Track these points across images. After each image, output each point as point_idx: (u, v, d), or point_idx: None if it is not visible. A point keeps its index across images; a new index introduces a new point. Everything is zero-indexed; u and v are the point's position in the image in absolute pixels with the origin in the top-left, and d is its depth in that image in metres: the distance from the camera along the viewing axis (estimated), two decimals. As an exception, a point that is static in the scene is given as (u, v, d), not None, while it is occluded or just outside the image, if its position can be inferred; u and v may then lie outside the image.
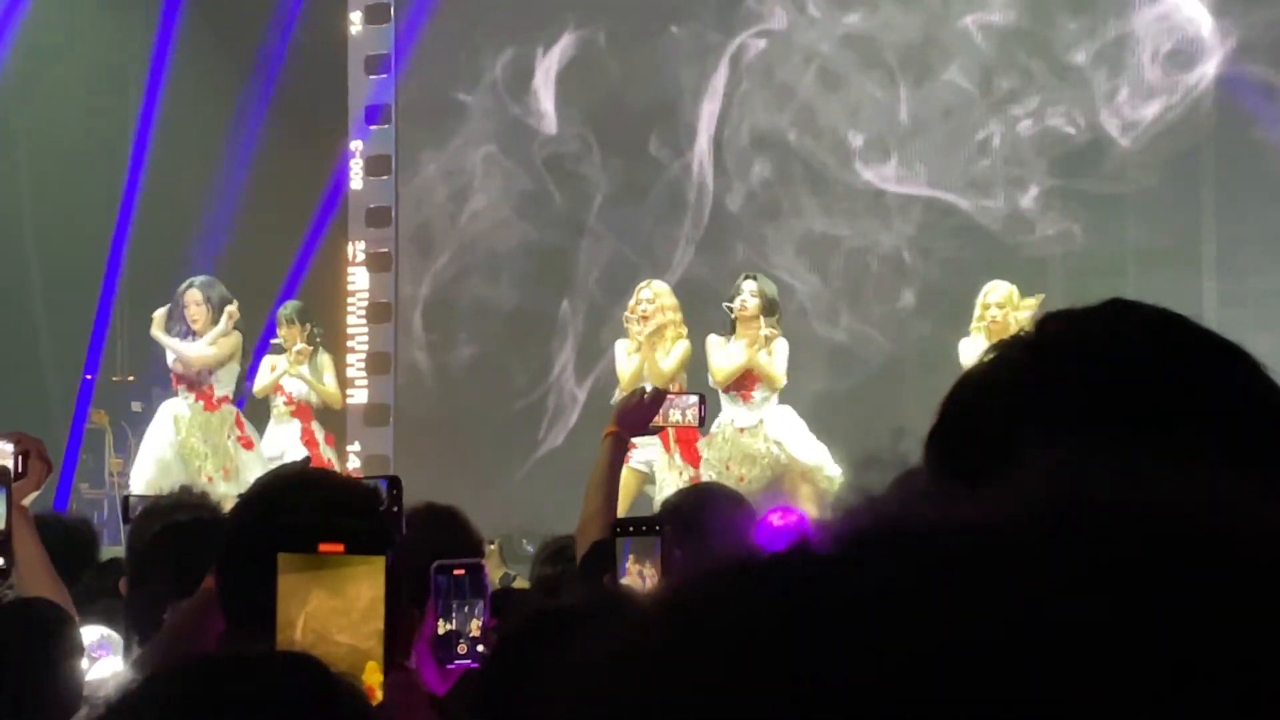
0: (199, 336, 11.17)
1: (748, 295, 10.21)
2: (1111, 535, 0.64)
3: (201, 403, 11.15)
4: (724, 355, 10.15)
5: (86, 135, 13.64)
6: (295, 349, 11.39)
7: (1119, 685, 0.60)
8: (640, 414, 4.79)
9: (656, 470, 9.96)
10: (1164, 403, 1.26)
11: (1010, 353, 1.36)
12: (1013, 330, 9.46)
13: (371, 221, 13.58)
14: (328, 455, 11.35)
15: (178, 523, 3.59)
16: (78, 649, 3.29)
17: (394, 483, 3.37)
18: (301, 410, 11.40)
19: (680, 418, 5.12)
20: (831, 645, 0.62)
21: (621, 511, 4.80)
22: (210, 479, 10.49)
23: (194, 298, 11.25)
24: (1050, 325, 1.36)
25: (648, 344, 10.17)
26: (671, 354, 10.21)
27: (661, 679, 0.65)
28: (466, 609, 3.45)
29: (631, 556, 3.63)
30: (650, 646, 0.67)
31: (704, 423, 5.05)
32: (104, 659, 3.90)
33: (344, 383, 12.65)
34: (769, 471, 9.87)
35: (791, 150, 12.22)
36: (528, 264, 12.90)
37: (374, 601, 2.42)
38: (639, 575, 3.62)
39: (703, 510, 4.19)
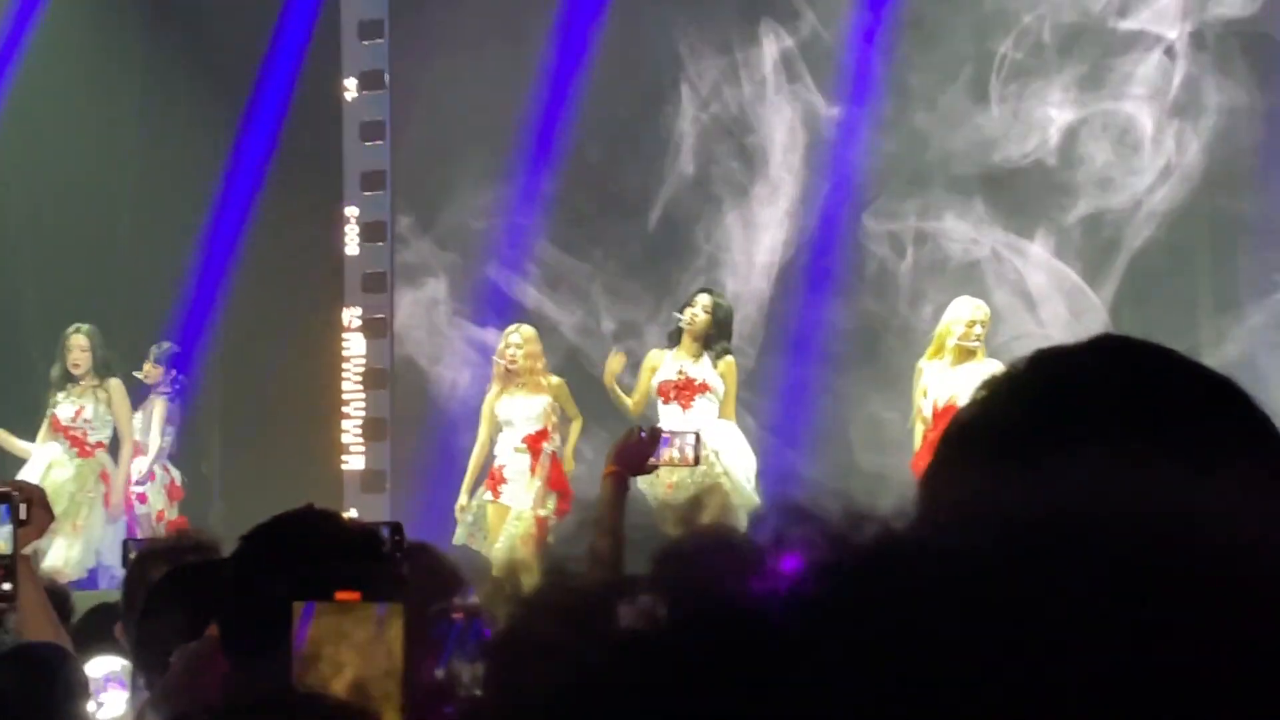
0: (80, 382, 11.22)
1: (700, 309, 10.31)
2: (1119, 546, 0.65)
3: (76, 449, 11.20)
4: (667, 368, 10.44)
5: (79, 184, 13.63)
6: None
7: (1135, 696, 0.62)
8: (638, 452, 4.78)
9: None
10: (1160, 438, 1.27)
11: (1003, 391, 1.36)
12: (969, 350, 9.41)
13: (367, 287, 13.61)
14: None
15: (187, 565, 3.60)
16: (81, 690, 3.29)
17: (395, 529, 3.38)
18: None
19: (677, 455, 5.13)
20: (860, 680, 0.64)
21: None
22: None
23: (79, 344, 11.33)
24: (1044, 361, 1.37)
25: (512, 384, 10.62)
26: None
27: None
28: (465, 654, 3.45)
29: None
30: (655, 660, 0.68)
31: (699, 460, 5.05)
32: (113, 691, 3.90)
33: (339, 448, 12.66)
34: (701, 480, 9.92)
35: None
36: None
37: (390, 646, 2.42)
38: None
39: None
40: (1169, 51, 11.46)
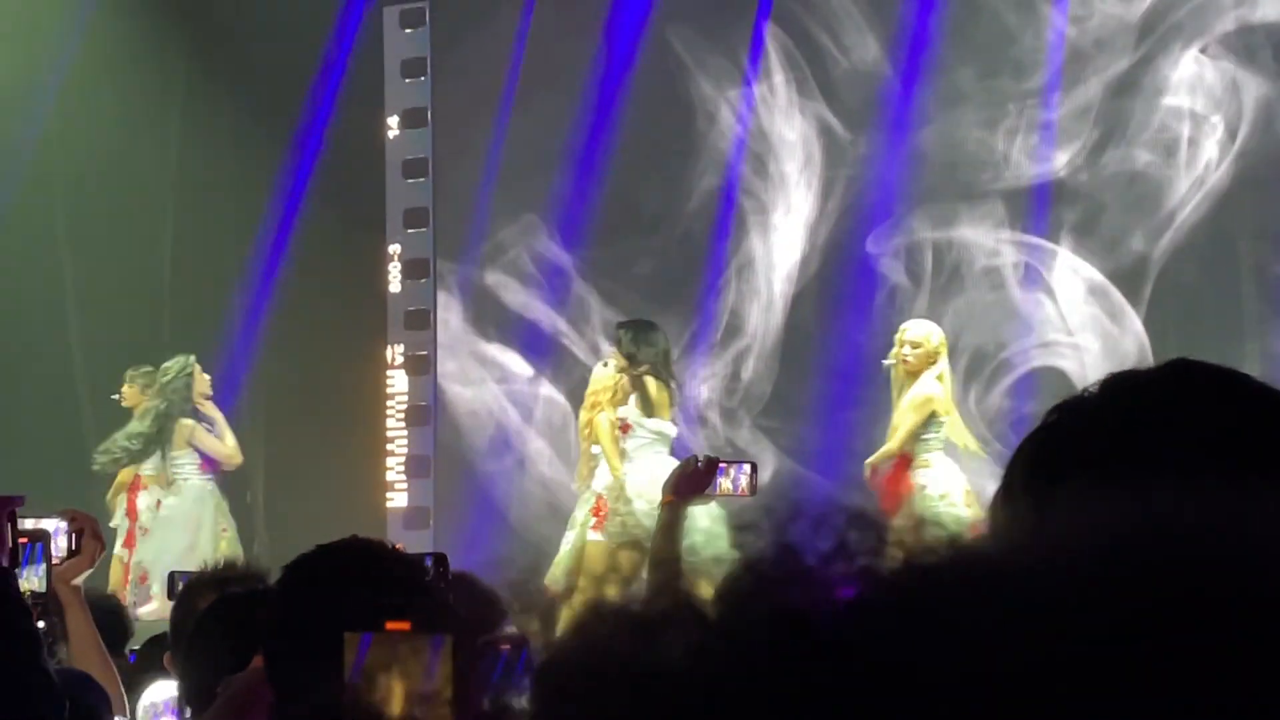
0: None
1: (610, 360, 10.50)
2: (1185, 578, 0.63)
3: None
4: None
5: (120, 220, 13.73)
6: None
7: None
8: (695, 482, 4.84)
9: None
10: (1232, 463, 1.25)
11: (1076, 416, 1.35)
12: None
13: (410, 324, 13.65)
14: None
15: (233, 595, 3.60)
16: (94, 715, 3.26)
17: (440, 560, 3.39)
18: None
19: (731, 486, 5.11)
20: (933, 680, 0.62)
21: None
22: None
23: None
24: (1116, 387, 1.35)
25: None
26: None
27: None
28: (514, 684, 3.44)
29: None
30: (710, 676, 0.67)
31: (756, 491, 5.03)
32: (168, 718, 3.90)
33: (384, 485, 12.68)
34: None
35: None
36: (567, 360, 12.99)
37: (441, 677, 2.42)
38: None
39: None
40: (1204, 53, 11.41)
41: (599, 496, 10.28)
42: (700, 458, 4.99)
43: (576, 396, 12.65)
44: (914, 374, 9.99)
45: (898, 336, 10.18)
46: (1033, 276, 11.73)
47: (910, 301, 11.77)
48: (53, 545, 3.42)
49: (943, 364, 10.11)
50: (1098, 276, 11.50)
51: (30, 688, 2.91)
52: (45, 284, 13.54)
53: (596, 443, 10.37)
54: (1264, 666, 0.61)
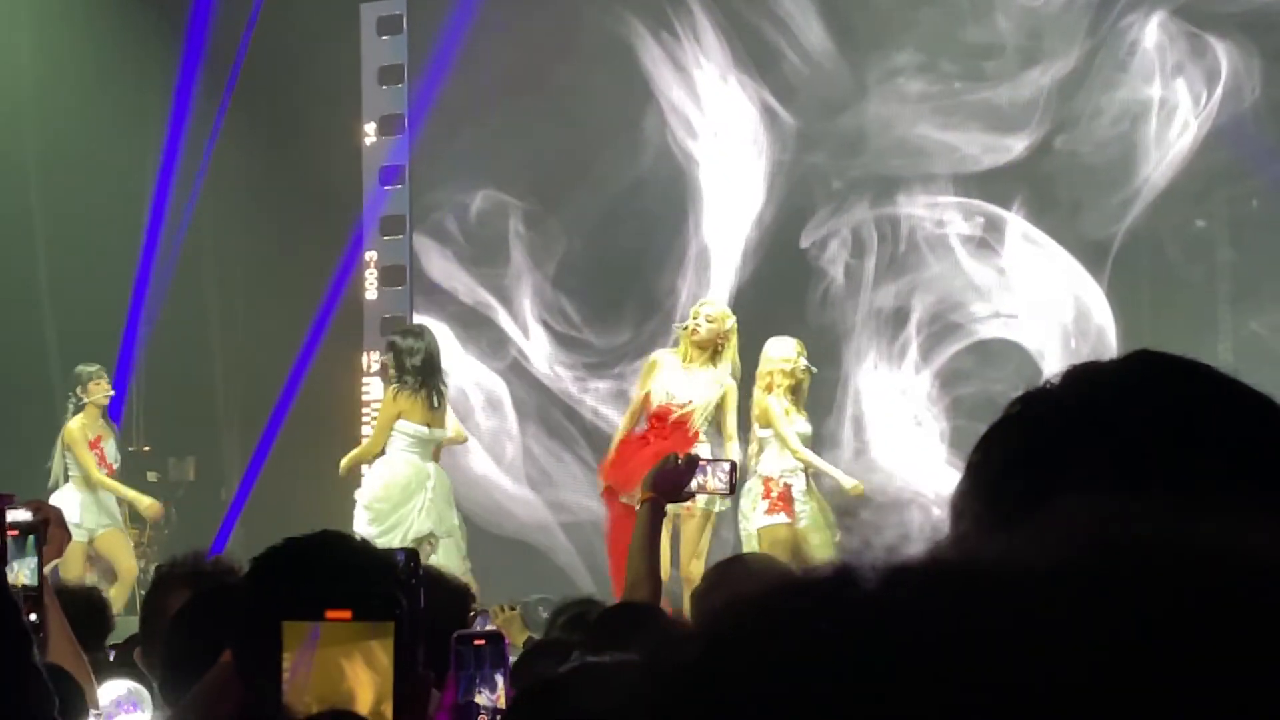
0: None
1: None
2: (1165, 580, 0.64)
3: None
4: None
5: (104, 210, 13.73)
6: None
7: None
8: (674, 479, 4.81)
9: None
10: (1196, 456, 1.25)
11: (1037, 407, 1.35)
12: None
13: (386, 331, 13.62)
14: None
15: (207, 591, 3.57)
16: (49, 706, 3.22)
17: (411, 555, 3.33)
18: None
19: (711, 484, 5.08)
20: (896, 682, 0.62)
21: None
22: None
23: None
24: (1078, 378, 1.35)
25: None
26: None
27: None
28: (487, 680, 3.42)
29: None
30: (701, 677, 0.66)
31: (735, 490, 5.01)
32: (130, 714, 3.86)
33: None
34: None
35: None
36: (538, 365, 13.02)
37: (385, 669, 2.39)
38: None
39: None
40: (1171, 19, 11.44)
41: (766, 480, 9.84)
42: (680, 456, 4.96)
43: (554, 405, 12.67)
44: (701, 346, 9.71)
45: (695, 309, 9.92)
46: (987, 247, 11.78)
47: (858, 278, 11.85)
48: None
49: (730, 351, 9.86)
50: (1055, 246, 11.56)
51: (24, 686, 2.90)
52: (20, 278, 13.51)
53: (767, 425, 9.92)
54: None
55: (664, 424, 9.66)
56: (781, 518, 9.75)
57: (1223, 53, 11.29)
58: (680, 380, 9.72)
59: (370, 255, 13.79)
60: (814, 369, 10.09)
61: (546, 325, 12.94)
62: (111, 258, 13.73)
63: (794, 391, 9.95)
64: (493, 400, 13.07)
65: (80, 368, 11.60)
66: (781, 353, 9.99)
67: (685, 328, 9.86)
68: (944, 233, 11.87)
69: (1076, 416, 1.31)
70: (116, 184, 13.78)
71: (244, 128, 13.91)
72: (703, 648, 0.67)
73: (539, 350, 13.00)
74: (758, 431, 9.98)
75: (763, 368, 9.99)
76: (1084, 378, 1.35)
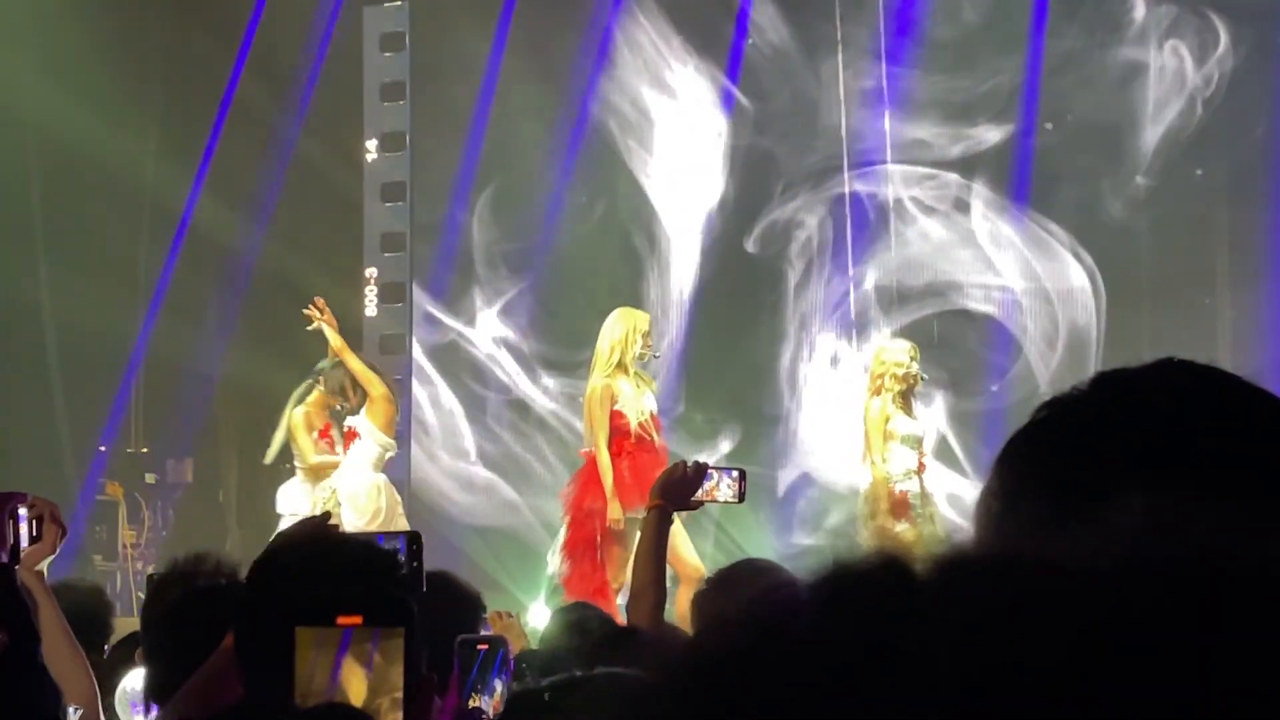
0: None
1: None
2: (1209, 579, 0.64)
3: None
4: None
5: (106, 208, 13.72)
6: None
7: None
8: (682, 487, 4.76)
9: None
10: (1224, 463, 1.25)
11: (1065, 414, 1.34)
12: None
13: (385, 348, 13.62)
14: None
15: (199, 589, 3.55)
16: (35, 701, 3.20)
17: (413, 539, 3.28)
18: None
19: (719, 492, 5.03)
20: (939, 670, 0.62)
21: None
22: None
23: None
24: (1107, 385, 1.34)
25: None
26: None
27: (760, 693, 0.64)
28: (490, 683, 3.41)
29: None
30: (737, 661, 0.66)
31: (744, 498, 4.97)
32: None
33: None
34: None
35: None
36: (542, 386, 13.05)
37: (393, 670, 2.37)
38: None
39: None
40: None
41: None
42: (689, 463, 4.91)
43: (546, 422, 12.69)
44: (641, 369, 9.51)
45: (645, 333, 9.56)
46: (962, 230, 11.81)
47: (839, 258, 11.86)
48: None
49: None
50: (1032, 224, 11.59)
51: (31, 685, 2.91)
52: (20, 281, 13.51)
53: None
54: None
55: (647, 441, 9.34)
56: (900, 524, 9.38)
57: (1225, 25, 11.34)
58: (644, 400, 9.44)
59: (370, 272, 13.79)
60: (925, 375, 9.75)
61: (526, 335, 13.01)
62: (112, 260, 13.73)
63: (904, 396, 9.58)
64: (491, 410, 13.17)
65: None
66: (895, 356, 9.64)
67: (640, 355, 9.50)
68: (916, 216, 11.93)
69: (1106, 423, 1.31)
70: (117, 186, 13.77)
71: (246, 134, 13.93)
72: (753, 637, 0.67)
73: (526, 362, 13.10)
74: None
75: (875, 369, 9.68)
76: (1112, 384, 1.35)
